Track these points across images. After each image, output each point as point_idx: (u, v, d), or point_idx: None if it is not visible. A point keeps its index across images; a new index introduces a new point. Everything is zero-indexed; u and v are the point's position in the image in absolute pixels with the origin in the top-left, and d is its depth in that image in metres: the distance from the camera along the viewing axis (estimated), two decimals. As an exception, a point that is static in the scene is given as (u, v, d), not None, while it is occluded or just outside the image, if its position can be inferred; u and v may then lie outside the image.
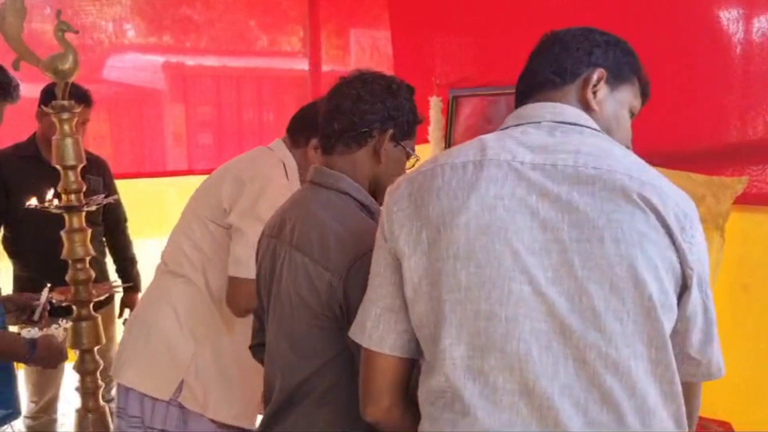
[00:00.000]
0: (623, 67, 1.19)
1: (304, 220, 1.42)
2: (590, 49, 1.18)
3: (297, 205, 1.49)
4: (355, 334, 1.17)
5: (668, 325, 0.99)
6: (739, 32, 2.06)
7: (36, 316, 2.03)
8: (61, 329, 2.05)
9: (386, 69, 3.59)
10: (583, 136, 1.08)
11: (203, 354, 1.92)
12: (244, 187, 1.88)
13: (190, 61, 3.96)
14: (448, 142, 3.04)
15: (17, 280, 2.79)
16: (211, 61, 3.82)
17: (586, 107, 1.15)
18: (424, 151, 3.14)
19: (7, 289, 2.69)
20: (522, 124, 1.13)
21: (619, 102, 1.18)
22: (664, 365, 0.99)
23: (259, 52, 4.14)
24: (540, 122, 1.12)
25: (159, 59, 3.79)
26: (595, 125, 1.13)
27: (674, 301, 1.00)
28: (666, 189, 1.02)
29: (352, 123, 1.43)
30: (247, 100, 4.11)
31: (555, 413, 0.96)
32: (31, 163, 2.71)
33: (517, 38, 2.73)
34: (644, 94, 1.23)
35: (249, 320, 1.77)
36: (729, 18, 2.09)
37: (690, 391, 1.06)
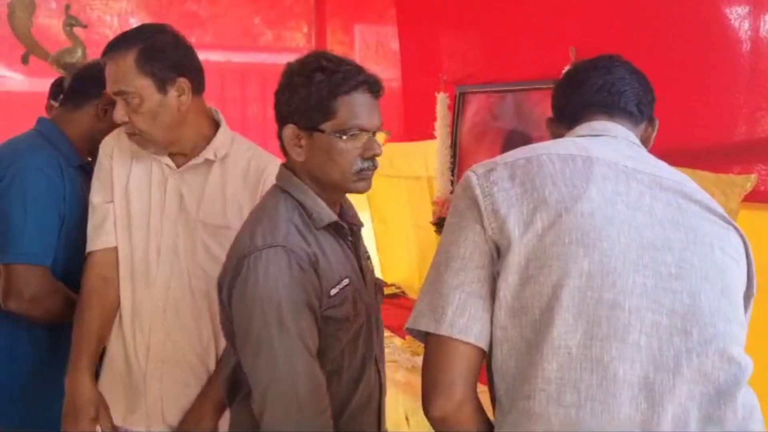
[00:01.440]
0: None
1: None
2: (654, 97, 1.30)
3: None
4: (423, 323, 1.07)
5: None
6: (748, 29, 2.06)
7: None
8: None
9: (392, 65, 3.61)
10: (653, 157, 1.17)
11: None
12: None
13: (195, 56, 3.97)
14: (455, 138, 3.04)
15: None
16: (215, 57, 3.82)
17: (645, 144, 1.26)
18: (431, 147, 3.16)
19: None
20: (597, 136, 1.18)
21: None
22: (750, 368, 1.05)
23: (263, 47, 4.14)
24: (617, 136, 1.18)
25: (164, 54, 3.78)
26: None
27: None
28: None
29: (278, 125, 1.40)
30: (251, 95, 4.11)
31: (675, 408, 0.96)
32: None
33: (523, 35, 2.74)
34: None
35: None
36: (737, 14, 2.09)
37: None
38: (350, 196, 1.51)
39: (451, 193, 3.01)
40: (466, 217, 1.07)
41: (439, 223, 2.99)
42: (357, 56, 4.01)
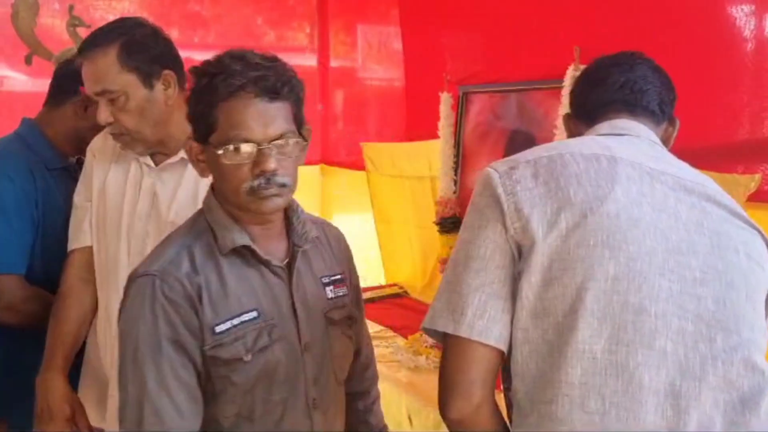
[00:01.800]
0: None
1: None
2: (675, 96, 1.26)
3: None
4: (442, 324, 1.04)
5: None
6: (753, 28, 2.05)
7: None
8: None
9: (395, 65, 3.61)
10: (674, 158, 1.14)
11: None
12: None
13: (198, 56, 3.94)
14: (458, 138, 3.04)
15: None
16: (218, 57, 3.83)
17: (665, 144, 1.23)
18: (434, 147, 3.15)
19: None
20: (620, 135, 1.16)
21: None
22: None
23: (266, 47, 4.12)
24: (639, 136, 1.16)
25: (167, 54, 3.79)
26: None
27: None
28: None
29: None
30: (254, 95, 4.11)
31: (700, 416, 0.95)
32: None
33: (527, 34, 2.74)
34: None
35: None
36: (742, 14, 2.08)
37: None
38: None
39: (454, 193, 3.01)
40: (486, 215, 1.04)
41: (442, 223, 2.99)
42: (360, 56, 4.01)
